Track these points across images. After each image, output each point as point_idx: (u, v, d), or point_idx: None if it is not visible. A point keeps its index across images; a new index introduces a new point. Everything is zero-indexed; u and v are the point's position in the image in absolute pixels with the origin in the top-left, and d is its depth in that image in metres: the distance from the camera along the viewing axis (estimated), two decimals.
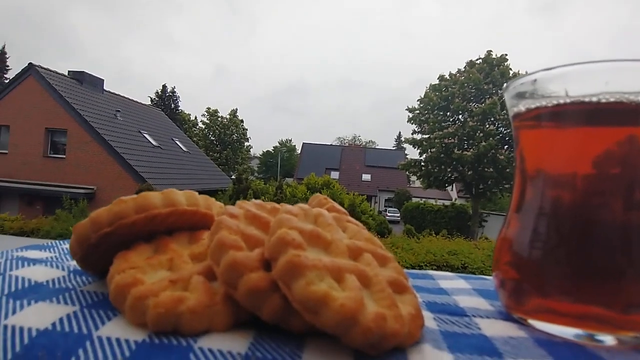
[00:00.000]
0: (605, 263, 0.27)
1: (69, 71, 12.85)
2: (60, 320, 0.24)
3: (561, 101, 0.28)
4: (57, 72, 12.11)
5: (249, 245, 0.25)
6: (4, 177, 11.20)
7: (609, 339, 0.26)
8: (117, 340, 0.22)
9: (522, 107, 0.31)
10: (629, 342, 0.26)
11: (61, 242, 0.44)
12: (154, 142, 13.46)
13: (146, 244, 0.29)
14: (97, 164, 10.96)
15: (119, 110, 13.06)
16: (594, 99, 0.26)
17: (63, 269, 0.33)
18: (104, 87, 13.89)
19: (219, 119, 28.54)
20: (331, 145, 33.65)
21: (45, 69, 11.62)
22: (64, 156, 11.29)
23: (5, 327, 0.22)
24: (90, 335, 0.22)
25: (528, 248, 0.30)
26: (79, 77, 12.82)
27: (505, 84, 0.32)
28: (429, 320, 0.29)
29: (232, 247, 0.24)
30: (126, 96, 15.35)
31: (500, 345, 0.25)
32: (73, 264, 0.35)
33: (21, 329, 0.22)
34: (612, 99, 0.26)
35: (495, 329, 0.28)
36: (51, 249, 0.40)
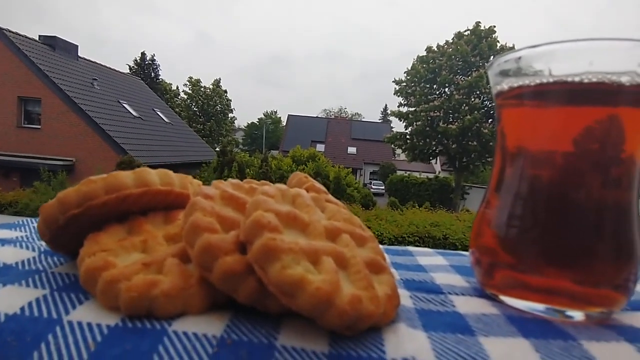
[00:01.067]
0: (577, 240, 0.27)
1: (40, 36, 12.10)
2: (30, 304, 0.23)
3: (544, 80, 0.27)
4: (27, 37, 11.40)
5: (224, 227, 0.25)
6: None
7: (578, 315, 0.27)
8: (89, 324, 0.21)
9: (505, 85, 0.30)
10: (596, 317, 0.27)
11: (32, 220, 0.43)
12: (134, 113, 13.03)
13: (119, 225, 0.28)
14: (75, 135, 10.58)
15: (95, 79, 12.49)
16: (577, 79, 0.26)
17: (33, 250, 0.32)
18: (79, 54, 13.20)
19: (202, 89, 27.69)
20: (317, 117, 33.29)
21: (14, 32, 10.92)
22: (39, 126, 10.84)
23: None
24: (61, 319, 0.22)
25: (504, 225, 0.30)
26: (51, 42, 12.11)
27: (489, 61, 0.32)
28: (406, 298, 0.29)
29: (207, 229, 0.23)
30: (103, 64, 14.66)
31: (473, 322, 0.26)
32: (44, 243, 0.34)
33: None
34: (594, 79, 0.26)
35: (469, 306, 0.28)
36: (21, 228, 0.39)
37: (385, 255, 0.42)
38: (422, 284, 0.33)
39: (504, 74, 0.30)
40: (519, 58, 0.29)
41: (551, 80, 0.27)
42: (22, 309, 0.22)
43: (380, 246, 0.45)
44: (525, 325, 0.25)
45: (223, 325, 0.22)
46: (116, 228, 0.28)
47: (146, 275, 0.23)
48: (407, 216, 7.41)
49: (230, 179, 0.31)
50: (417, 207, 9.43)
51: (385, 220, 6.91)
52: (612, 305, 0.28)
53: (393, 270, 0.36)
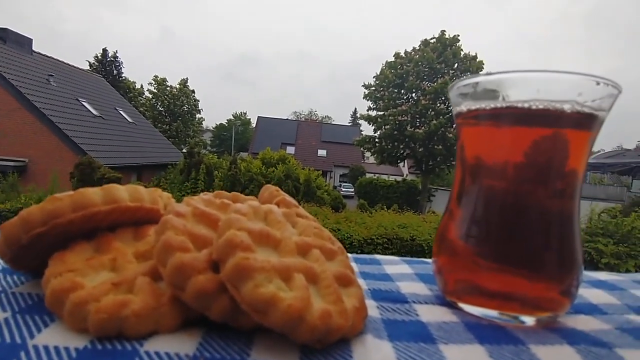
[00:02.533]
0: (527, 248, 0.30)
1: None
2: None
3: (498, 105, 0.30)
4: None
5: (196, 245, 0.25)
6: None
7: (529, 320, 0.30)
8: (56, 348, 0.21)
9: (464, 107, 0.33)
10: (545, 321, 0.30)
11: None
12: (94, 112, 12.42)
13: (86, 243, 0.28)
14: (28, 134, 9.94)
15: (52, 75, 11.81)
16: (526, 105, 0.29)
17: None
18: (33, 48, 12.43)
19: (168, 88, 26.86)
20: (287, 119, 33.20)
21: None
22: None
23: None
24: (25, 344, 0.21)
25: (463, 234, 0.32)
26: (1, 34, 11.34)
27: (450, 85, 0.34)
28: (373, 309, 0.30)
29: (179, 248, 0.24)
30: (60, 59, 13.89)
31: (435, 330, 0.27)
32: (1, 261, 0.32)
33: None
34: (541, 106, 0.28)
35: (431, 314, 0.30)
36: None
37: (354, 264, 0.43)
38: (389, 293, 0.34)
39: (463, 96, 0.33)
40: (476, 84, 0.31)
41: (504, 105, 0.30)
42: None
43: (349, 255, 0.46)
44: (481, 332, 0.27)
45: (195, 343, 0.23)
46: (83, 246, 0.27)
47: (116, 296, 0.23)
48: (376, 218, 7.54)
49: (201, 195, 0.31)
50: (386, 209, 9.63)
51: (354, 222, 7.00)
52: (559, 309, 0.30)
53: (361, 280, 0.38)
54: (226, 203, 0.30)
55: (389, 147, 14.60)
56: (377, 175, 18.89)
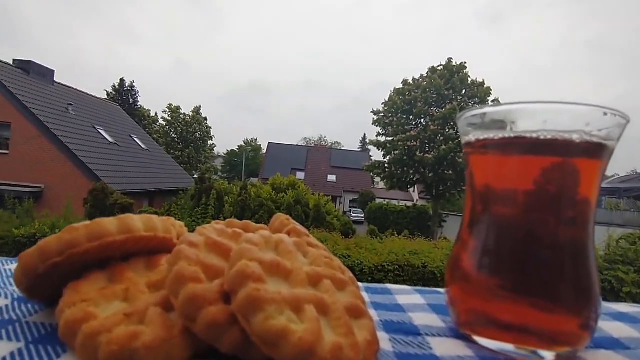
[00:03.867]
0: (542, 279, 0.29)
1: (14, 60, 11.89)
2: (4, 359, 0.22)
3: (506, 135, 0.30)
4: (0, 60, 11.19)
5: (208, 275, 0.25)
6: None
7: (548, 355, 0.29)
8: None
9: (472, 137, 0.33)
10: (564, 356, 0.29)
11: (3, 261, 0.41)
12: (110, 139, 12.78)
13: (100, 272, 0.28)
14: (45, 161, 10.22)
15: (71, 104, 12.26)
16: (534, 135, 0.29)
17: (6, 297, 0.31)
18: (55, 79, 13.00)
19: (182, 116, 27.59)
20: (297, 145, 33.61)
21: None
22: (7, 152, 10.44)
23: None
24: None
25: (476, 264, 0.32)
26: (25, 66, 11.91)
27: (458, 115, 0.34)
28: (385, 341, 0.30)
29: (191, 279, 0.24)
30: (79, 89, 14.46)
31: None
32: (16, 289, 0.33)
33: None
34: (549, 136, 0.28)
35: (445, 347, 0.29)
36: None
37: (365, 294, 0.43)
38: (401, 325, 0.34)
39: (471, 126, 0.33)
40: (484, 114, 0.31)
41: (512, 135, 0.30)
42: None
43: (360, 284, 0.46)
44: None
45: None
46: (97, 275, 0.28)
47: (127, 327, 0.23)
48: (387, 244, 7.43)
49: (213, 224, 0.31)
50: (396, 235, 9.49)
51: (365, 248, 6.90)
52: (578, 343, 0.29)
53: (372, 310, 0.37)
54: (238, 232, 0.30)
55: (399, 172, 14.58)
56: (387, 200, 18.78)
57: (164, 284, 0.27)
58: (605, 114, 0.28)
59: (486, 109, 0.31)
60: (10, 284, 0.35)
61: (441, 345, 0.30)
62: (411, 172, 14.45)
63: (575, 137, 0.28)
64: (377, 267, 5.90)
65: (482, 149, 0.33)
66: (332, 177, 26.36)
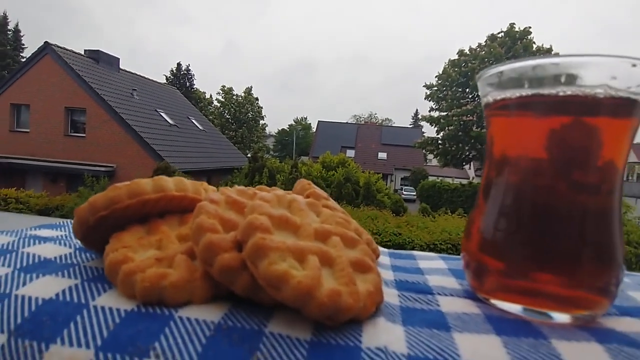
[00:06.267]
0: (559, 244, 0.28)
1: (85, 50, 12.99)
2: (63, 291, 0.27)
3: (523, 94, 0.29)
4: (73, 51, 12.27)
5: (226, 228, 0.28)
6: (28, 155, 11.62)
7: (564, 317, 0.28)
8: (110, 309, 0.25)
9: (490, 97, 0.32)
10: (582, 320, 0.28)
11: (71, 221, 0.48)
12: (170, 121, 13.64)
13: (140, 226, 0.33)
14: (116, 143, 11.23)
15: (135, 89, 13.22)
16: (553, 92, 0.28)
17: (70, 247, 0.37)
18: (120, 66, 14.02)
19: (234, 97, 28.53)
20: (347, 123, 33.35)
21: (61, 47, 11.78)
22: (84, 135, 11.59)
23: (17, 296, 0.26)
24: (87, 304, 0.26)
25: (491, 229, 0.32)
26: (94, 56, 12.97)
27: (477, 75, 0.34)
28: (394, 297, 0.31)
29: (209, 230, 0.27)
30: (142, 75, 15.48)
31: (452, 320, 0.27)
32: (79, 241, 0.39)
33: (29, 299, 0.26)
34: (569, 92, 0.27)
35: (453, 305, 0.30)
36: (62, 228, 0.44)
37: (387, 258, 0.44)
38: (414, 285, 0.35)
39: (490, 86, 0.32)
40: (501, 72, 0.30)
41: (529, 93, 0.29)
42: (57, 294, 0.27)
43: (385, 249, 0.47)
44: (501, 324, 0.27)
45: (222, 313, 0.26)
46: (137, 228, 0.32)
47: (158, 269, 0.27)
48: (439, 223, 7.25)
49: (236, 186, 0.34)
50: (450, 213, 9.21)
51: (416, 226, 6.81)
52: (595, 308, 0.28)
53: (390, 272, 0.38)
54: (257, 193, 0.33)
55: (453, 148, 13.97)
56: (440, 178, 18.14)
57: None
58: (634, 65, 0.26)
59: (503, 67, 0.30)
60: (75, 238, 0.41)
61: (450, 304, 0.31)
62: (466, 148, 13.78)
63: (599, 93, 0.27)
64: (428, 245, 5.80)
65: (500, 110, 0.32)
66: (382, 155, 25.95)
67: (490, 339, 0.25)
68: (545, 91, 0.28)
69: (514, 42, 13.48)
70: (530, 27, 13.66)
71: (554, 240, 0.29)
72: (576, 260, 0.28)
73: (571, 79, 0.27)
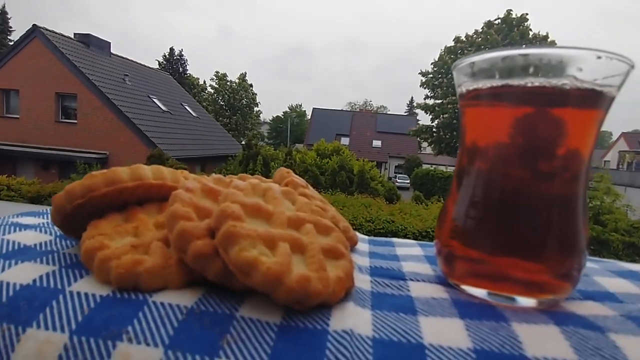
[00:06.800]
0: (524, 230, 0.29)
1: (74, 33, 12.70)
2: (41, 277, 0.28)
3: (493, 84, 0.30)
4: (63, 35, 11.99)
5: (200, 216, 0.29)
6: (18, 141, 11.45)
7: (526, 301, 0.29)
8: (85, 294, 0.26)
9: (464, 88, 0.33)
10: (546, 304, 0.30)
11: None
12: (163, 107, 13.47)
13: (117, 213, 0.33)
14: (108, 129, 11.09)
15: (127, 75, 13.00)
16: (522, 83, 0.28)
17: (50, 234, 0.37)
18: (111, 51, 13.75)
19: (228, 83, 28.20)
20: (342, 110, 33.18)
21: (50, 31, 11.50)
22: (75, 121, 11.42)
23: None
24: (64, 290, 0.26)
25: (461, 216, 0.32)
26: (85, 40, 12.69)
27: (453, 65, 0.34)
28: (366, 283, 0.32)
29: (183, 217, 0.27)
30: (134, 60, 15.21)
31: (420, 304, 0.28)
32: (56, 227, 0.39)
33: (7, 284, 0.27)
34: (536, 83, 0.28)
35: (423, 290, 0.31)
36: (44, 215, 0.44)
37: (367, 245, 0.45)
38: (388, 271, 0.36)
39: (464, 77, 0.33)
40: (473, 63, 0.31)
41: (499, 84, 0.29)
42: (34, 280, 0.27)
43: (365, 237, 0.48)
44: (466, 308, 0.28)
45: (195, 298, 0.26)
46: (114, 216, 0.32)
47: (133, 255, 0.28)
48: (432, 210, 7.30)
49: (214, 175, 0.35)
50: (443, 201, 9.28)
51: (409, 214, 6.85)
52: (559, 292, 0.30)
53: (367, 258, 0.39)
54: (232, 180, 0.33)
55: (448, 136, 14.01)
56: (434, 166, 18.21)
57: None
58: (599, 57, 0.26)
59: (475, 58, 0.30)
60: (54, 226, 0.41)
61: (420, 289, 0.32)
62: None
63: (566, 84, 0.27)
64: (421, 233, 5.85)
65: (473, 100, 0.32)
66: (377, 143, 25.94)
67: (454, 322, 0.26)
68: (515, 82, 0.28)
69: (510, 29, 13.40)
70: (527, 14, 13.56)
71: (520, 226, 0.30)
72: (541, 246, 0.29)
73: (539, 70, 0.27)
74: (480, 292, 0.30)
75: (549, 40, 13.16)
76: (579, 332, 0.25)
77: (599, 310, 0.29)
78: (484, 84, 0.30)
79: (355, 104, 48.04)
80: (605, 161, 29.34)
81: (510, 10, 13.78)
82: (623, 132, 32.85)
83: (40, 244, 0.35)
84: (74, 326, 0.23)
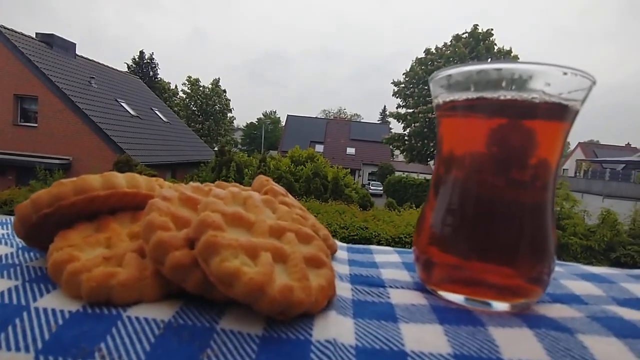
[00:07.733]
0: (498, 237, 0.30)
1: (37, 33, 12.11)
2: (2, 293, 0.26)
3: (469, 97, 0.31)
4: (23, 34, 11.40)
5: (178, 225, 0.28)
6: None
7: (503, 306, 0.30)
8: (53, 310, 0.24)
9: (440, 99, 0.34)
10: (519, 307, 0.31)
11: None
12: (132, 112, 13.04)
13: (88, 223, 0.31)
14: (72, 134, 10.59)
15: (93, 77, 12.50)
16: (495, 96, 0.29)
17: (12, 246, 0.35)
18: (76, 52, 13.20)
19: (201, 88, 27.71)
20: (316, 118, 33.37)
21: (9, 29, 10.91)
22: (36, 125, 10.84)
23: None
24: (28, 306, 0.25)
25: (438, 223, 0.33)
26: (48, 40, 12.12)
27: (430, 77, 0.35)
28: (347, 291, 0.32)
29: (160, 227, 0.26)
30: (101, 62, 14.67)
31: (400, 311, 0.29)
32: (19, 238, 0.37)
33: None
34: (508, 97, 0.29)
35: (402, 297, 0.32)
36: (3, 226, 0.42)
37: (345, 253, 0.45)
38: (368, 278, 0.36)
39: (441, 88, 0.34)
40: (449, 76, 0.32)
41: (474, 96, 0.30)
42: None
43: (343, 244, 0.48)
44: (445, 314, 0.28)
45: (172, 311, 0.25)
46: (85, 226, 0.31)
47: (105, 268, 0.26)
48: (404, 217, 7.44)
49: (191, 183, 0.34)
50: (415, 208, 9.47)
51: (382, 220, 6.94)
52: (531, 295, 0.31)
53: (347, 266, 0.39)
54: (212, 189, 0.33)
55: (419, 145, 14.37)
56: (406, 173, 18.60)
57: None
58: (565, 73, 0.28)
59: (451, 71, 0.31)
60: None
61: (400, 296, 0.32)
62: (432, 144, 14.22)
63: (535, 98, 0.29)
64: (394, 239, 5.94)
65: (449, 111, 0.33)
66: (351, 150, 26.24)
67: (434, 328, 0.26)
68: (489, 94, 0.30)
69: (477, 43, 14.01)
70: (492, 30, 14.23)
71: (494, 233, 0.31)
72: (515, 252, 0.30)
73: (511, 83, 0.29)
74: (457, 298, 0.31)
75: (512, 54, 13.86)
76: (550, 334, 0.26)
77: (567, 313, 0.30)
78: (459, 95, 0.31)
79: (329, 112, 48.46)
80: (564, 169, 31.06)
81: (477, 25, 14.43)
82: (580, 142, 34.86)
83: (1, 257, 0.32)
84: (40, 345, 0.22)
